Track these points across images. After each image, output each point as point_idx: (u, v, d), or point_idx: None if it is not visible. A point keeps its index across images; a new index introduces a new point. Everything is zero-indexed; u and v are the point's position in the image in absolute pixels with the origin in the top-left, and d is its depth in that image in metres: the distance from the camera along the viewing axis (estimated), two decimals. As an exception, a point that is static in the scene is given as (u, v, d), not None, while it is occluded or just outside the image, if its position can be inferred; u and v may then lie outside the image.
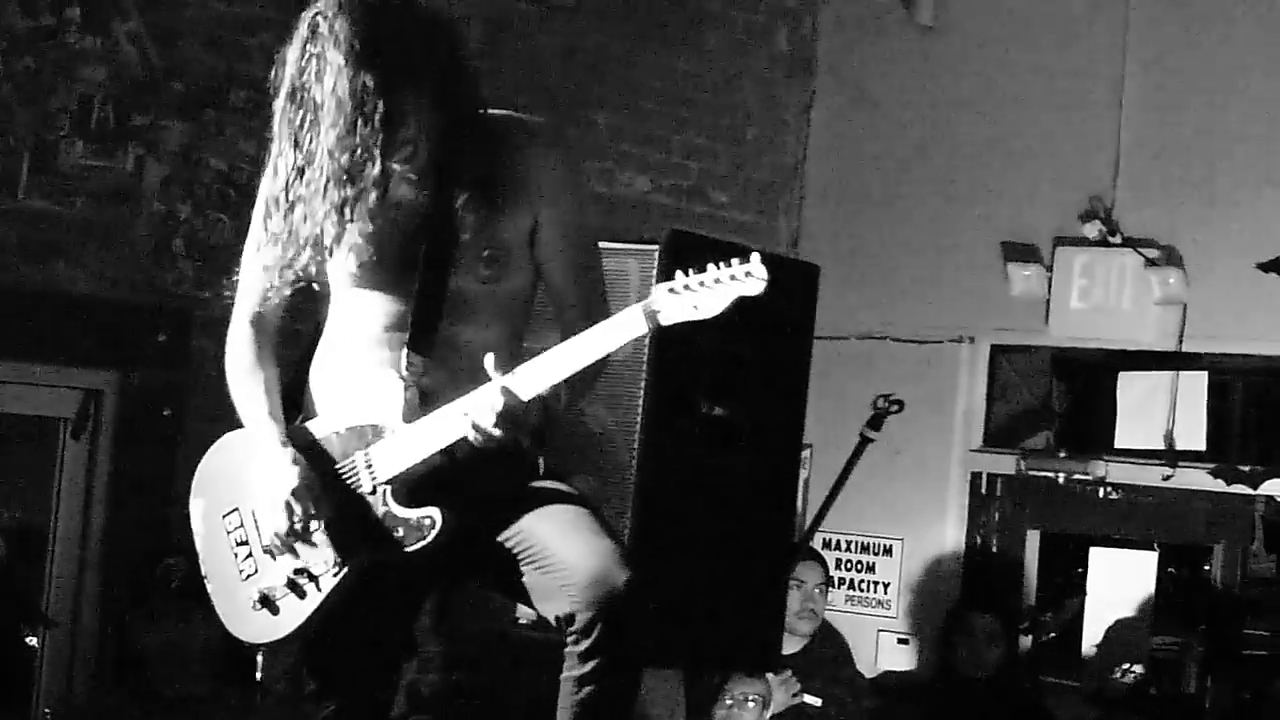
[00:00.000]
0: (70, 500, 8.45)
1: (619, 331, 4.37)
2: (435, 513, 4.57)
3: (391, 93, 4.44)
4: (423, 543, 4.58)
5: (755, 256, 4.20)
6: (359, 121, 4.45)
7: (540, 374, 4.44)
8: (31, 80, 8.06)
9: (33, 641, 8.22)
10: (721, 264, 4.24)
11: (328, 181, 4.52)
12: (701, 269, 4.25)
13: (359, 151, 4.46)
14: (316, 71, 4.46)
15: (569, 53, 9.17)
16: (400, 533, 4.61)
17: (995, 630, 9.44)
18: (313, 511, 4.60)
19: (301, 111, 4.50)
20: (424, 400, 4.60)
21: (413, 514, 4.59)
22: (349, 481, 4.68)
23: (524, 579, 4.64)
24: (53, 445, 8.46)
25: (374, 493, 4.65)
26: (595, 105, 9.44)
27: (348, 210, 4.53)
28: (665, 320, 4.29)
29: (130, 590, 8.07)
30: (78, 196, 8.21)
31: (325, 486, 4.64)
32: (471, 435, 4.40)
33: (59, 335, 8.18)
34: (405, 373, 4.61)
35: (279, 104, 4.59)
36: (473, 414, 4.38)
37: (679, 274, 4.25)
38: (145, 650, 7.47)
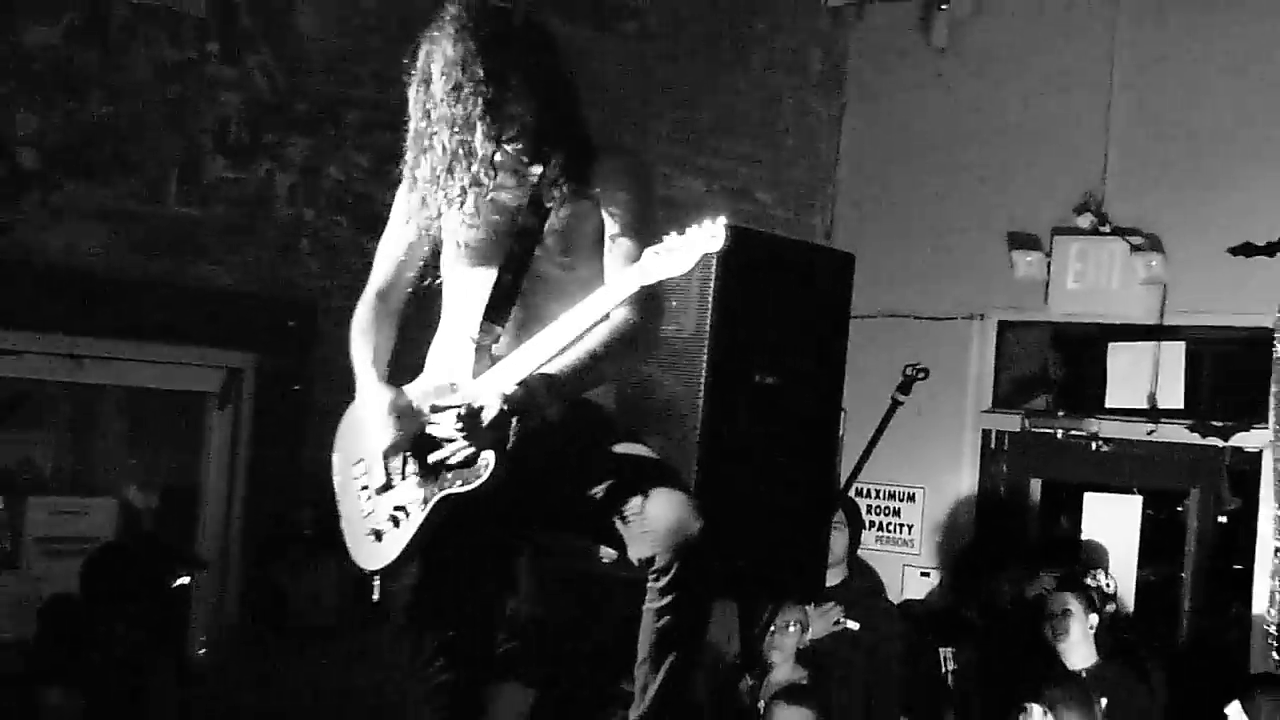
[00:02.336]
0: (216, 463, 8.50)
1: (618, 290, 4.44)
2: (491, 455, 4.56)
3: (498, 86, 4.48)
4: (479, 480, 4.59)
5: (721, 220, 4.27)
6: (469, 111, 4.50)
7: (546, 342, 4.52)
8: (178, 105, 8.11)
9: (186, 581, 8.18)
10: (692, 227, 4.29)
11: (444, 169, 4.57)
12: (681, 233, 4.30)
13: (468, 140, 4.51)
14: (438, 73, 4.53)
15: (634, 73, 9.14)
16: (469, 469, 4.61)
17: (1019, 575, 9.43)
18: (396, 453, 4.68)
19: (425, 119, 4.56)
20: (494, 363, 4.63)
21: (481, 457, 4.59)
22: (428, 429, 4.67)
23: (612, 527, 4.63)
24: (201, 416, 8.49)
25: (452, 437, 4.64)
26: (656, 118, 9.47)
27: (458, 195, 4.58)
28: (650, 278, 4.36)
29: (268, 537, 8.06)
30: (218, 204, 8.24)
31: (408, 433, 4.67)
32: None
33: (205, 323, 8.20)
34: (475, 337, 4.64)
35: (411, 90, 4.66)
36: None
37: (663, 238, 4.31)
38: (282, 589, 7.45)
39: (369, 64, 8.45)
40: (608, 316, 4.50)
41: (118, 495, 8.39)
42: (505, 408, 4.48)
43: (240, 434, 8.46)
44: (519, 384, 4.50)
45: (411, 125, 4.70)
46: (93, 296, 7.80)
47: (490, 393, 4.54)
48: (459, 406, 4.54)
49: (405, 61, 4.71)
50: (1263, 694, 8.22)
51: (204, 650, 8.14)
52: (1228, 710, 8.28)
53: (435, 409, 4.62)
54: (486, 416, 4.50)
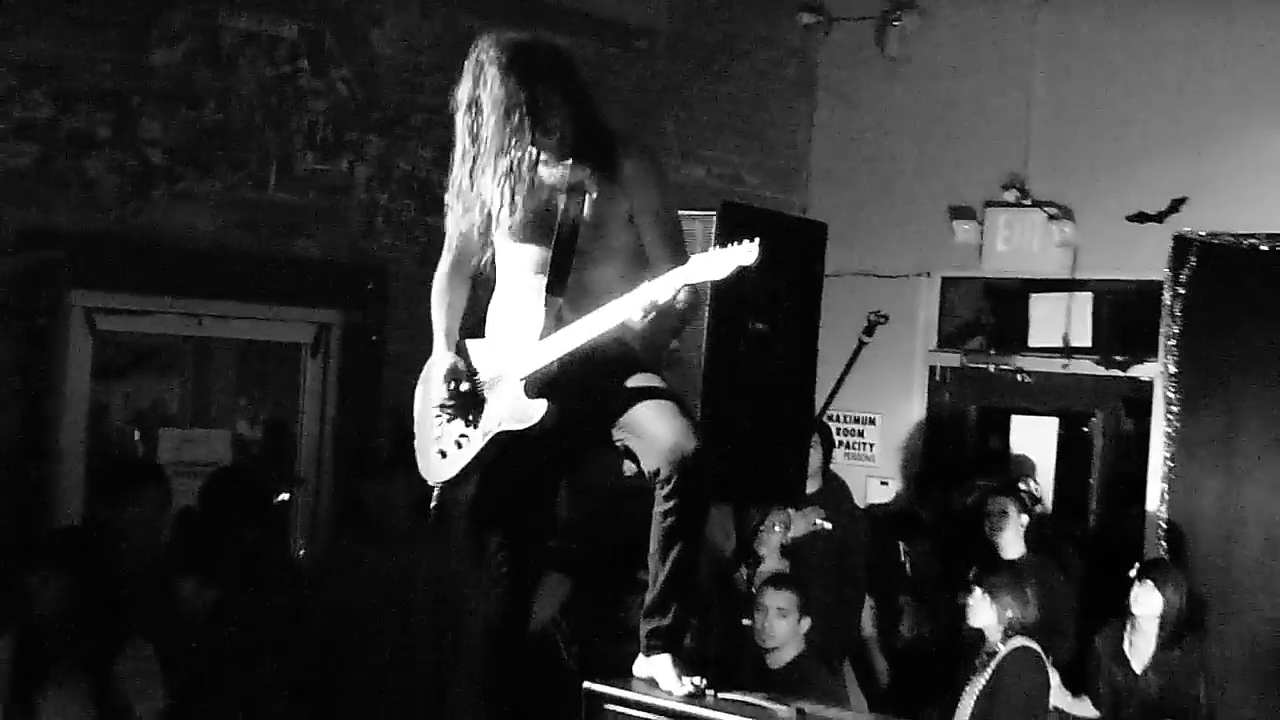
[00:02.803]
0: (310, 400, 8.58)
1: (664, 288, 4.38)
2: (544, 404, 4.63)
3: (536, 97, 4.48)
4: (533, 422, 4.65)
5: (756, 241, 4.29)
6: (512, 117, 4.49)
7: (596, 322, 4.53)
8: (276, 111, 8.20)
9: (287, 496, 8.32)
10: (734, 244, 4.34)
11: (493, 163, 4.55)
12: (723, 245, 4.38)
13: (513, 140, 4.50)
14: (485, 86, 4.51)
15: (648, 81, 9.15)
16: (518, 418, 4.67)
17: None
18: (458, 396, 4.75)
19: (474, 116, 4.56)
20: (558, 326, 4.64)
21: (532, 403, 4.66)
22: (493, 378, 4.76)
23: (631, 445, 4.72)
24: (297, 364, 8.58)
25: (515, 384, 4.70)
26: (664, 118, 9.46)
27: (507, 184, 4.56)
28: (696, 279, 4.43)
29: (353, 460, 8.13)
30: (309, 191, 8.34)
31: (474, 379, 4.77)
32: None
33: (299, 287, 8.32)
34: (544, 307, 4.66)
35: (459, 115, 4.66)
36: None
37: (711, 249, 4.41)
38: (364, 500, 7.54)
39: (430, 76, 8.48)
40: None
41: (230, 428, 8.53)
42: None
43: (329, 377, 8.52)
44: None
45: (459, 138, 4.64)
46: (208, 267, 7.92)
47: (549, 357, 4.63)
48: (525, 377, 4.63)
49: (453, 89, 4.68)
50: (1141, 574, 8.38)
51: (303, 550, 8.26)
52: (1132, 573, 8.44)
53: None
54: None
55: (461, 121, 4.67)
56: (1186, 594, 8.25)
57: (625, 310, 4.52)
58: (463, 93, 4.64)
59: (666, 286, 4.44)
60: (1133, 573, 8.37)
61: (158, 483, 6.87)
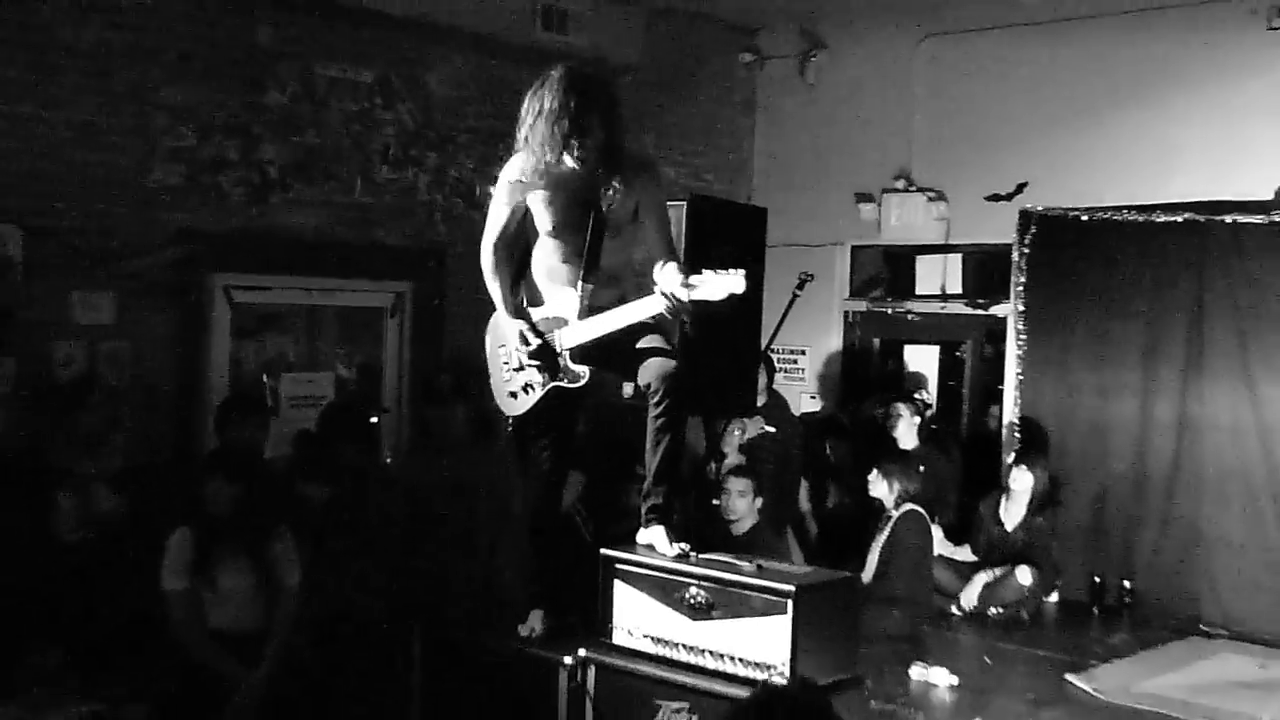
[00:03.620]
0: (390, 349, 8.63)
1: (687, 294, 4.33)
2: (586, 370, 4.72)
3: (582, 119, 4.41)
4: (579, 383, 4.73)
5: (741, 272, 4.27)
6: (558, 131, 4.43)
7: (617, 318, 4.59)
8: (358, 136, 8.28)
9: (376, 420, 8.37)
10: (728, 273, 4.28)
11: (543, 159, 4.52)
12: (716, 270, 4.29)
13: (557, 145, 4.45)
14: (544, 100, 4.43)
15: (629, 105, 9.08)
16: (570, 376, 4.73)
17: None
18: (529, 352, 4.72)
19: (532, 127, 4.48)
20: (591, 309, 4.66)
21: (578, 369, 4.72)
22: (548, 344, 4.74)
23: (636, 371, 4.75)
24: (380, 322, 8.62)
25: (560, 354, 4.74)
26: (644, 133, 9.41)
27: (549, 189, 4.58)
28: (699, 297, 4.32)
29: (423, 392, 8.21)
30: (385, 194, 8.39)
31: (536, 339, 4.73)
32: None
33: (382, 265, 8.42)
34: (581, 290, 4.66)
35: (522, 127, 4.53)
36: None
37: (704, 272, 4.30)
38: (430, 422, 7.60)
39: (470, 106, 8.59)
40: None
41: (333, 371, 8.50)
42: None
43: (403, 332, 8.55)
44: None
45: (522, 135, 4.54)
46: (313, 253, 7.98)
47: (587, 337, 4.66)
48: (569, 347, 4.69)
49: (524, 104, 4.54)
50: (1017, 460, 8.50)
51: (389, 459, 8.28)
52: (1010, 459, 8.58)
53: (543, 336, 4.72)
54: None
55: (522, 125, 4.56)
56: (1047, 475, 8.38)
57: (643, 310, 4.53)
58: (528, 104, 4.53)
59: (678, 294, 4.36)
60: (1010, 459, 8.51)
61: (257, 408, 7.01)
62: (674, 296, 4.36)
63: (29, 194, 6.80)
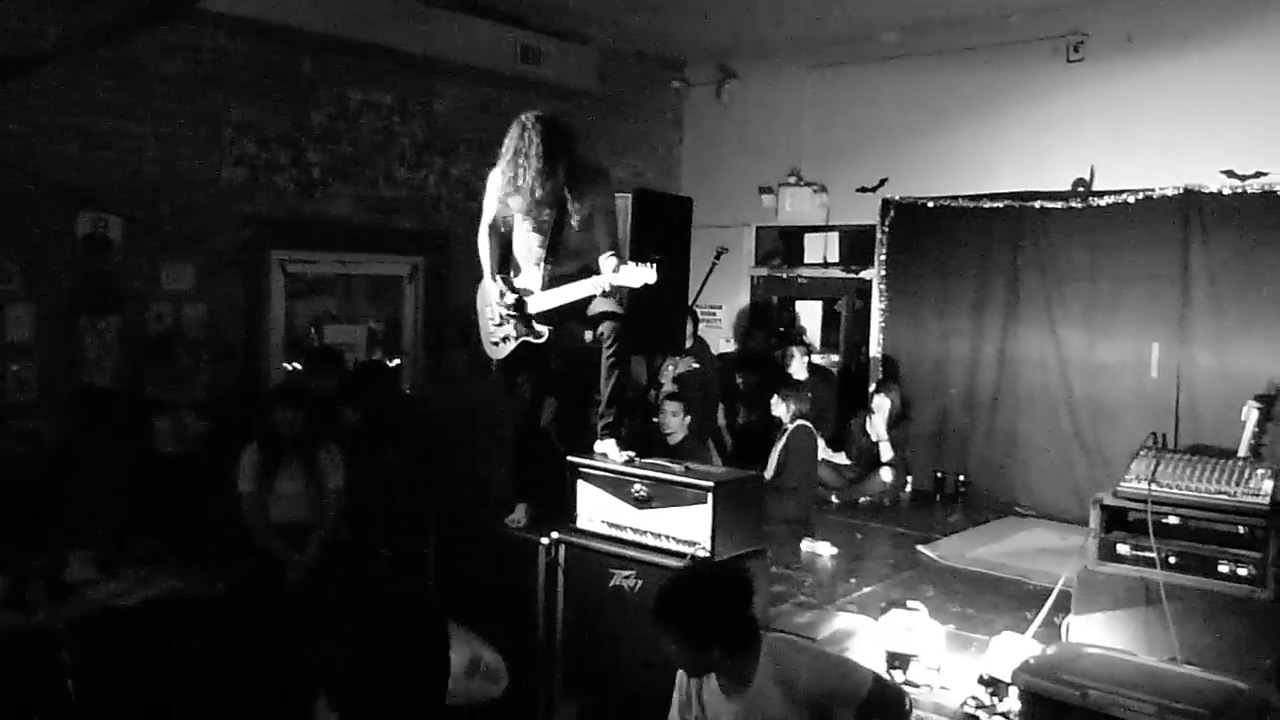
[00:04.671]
0: (408, 306, 8.46)
1: (606, 281, 4.37)
2: (548, 329, 4.64)
3: (551, 150, 4.27)
4: (543, 339, 4.65)
5: (654, 267, 4.30)
6: (532, 161, 4.28)
7: (567, 292, 4.48)
8: (382, 144, 8.10)
9: (396, 363, 8.32)
10: (645, 266, 4.29)
11: (519, 184, 4.33)
12: (639, 263, 4.31)
13: (535, 173, 4.28)
14: (524, 139, 4.27)
15: (586, 122, 9.02)
16: (535, 334, 4.65)
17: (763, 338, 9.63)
18: (506, 311, 4.64)
19: (515, 155, 4.30)
20: (552, 282, 4.56)
21: (540, 328, 4.64)
22: (522, 300, 4.64)
23: (594, 321, 4.67)
24: (400, 287, 8.44)
25: (530, 318, 4.65)
26: (598, 143, 9.29)
27: (525, 198, 4.37)
28: (622, 283, 4.35)
29: (434, 338, 8.15)
30: (403, 189, 8.22)
31: (510, 301, 4.64)
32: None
33: (401, 243, 8.23)
34: (544, 267, 4.57)
35: (507, 150, 4.34)
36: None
37: (630, 263, 4.33)
38: (441, 363, 7.54)
39: (468, 122, 8.39)
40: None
41: (365, 324, 8.38)
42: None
43: (418, 294, 8.39)
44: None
45: (500, 165, 4.37)
46: (348, 234, 7.83)
47: (546, 306, 4.56)
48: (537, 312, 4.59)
49: (507, 137, 4.34)
50: (879, 387, 8.54)
51: (410, 390, 8.19)
52: (872, 387, 8.60)
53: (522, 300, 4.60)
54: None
55: (507, 154, 4.37)
56: (901, 398, 8.42)
57: (589, 288, 4.45)
58: (510, 139, 4.36)
59: (606, 282, 4.38)
60: (873, 387, 8.54)
61: (334, 359, 6.89)
62: (605, 282, 4.39)
63: (126, 190, 6.75)
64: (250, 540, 5.41)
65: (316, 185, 7.68)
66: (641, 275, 4.31)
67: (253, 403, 6.62)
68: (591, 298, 4.61)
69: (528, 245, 4.63)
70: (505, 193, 4.41)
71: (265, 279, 7.44)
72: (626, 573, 4.49)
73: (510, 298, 4.62)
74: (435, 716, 1.95)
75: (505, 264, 4.72)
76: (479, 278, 4.85)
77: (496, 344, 4.82)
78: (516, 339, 4.71)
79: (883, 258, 9.10)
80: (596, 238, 4.53)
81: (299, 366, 6.79)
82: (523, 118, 4.32)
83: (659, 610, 3.10)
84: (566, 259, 4.57)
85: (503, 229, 4.66)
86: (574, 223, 4.47)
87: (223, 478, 5.50)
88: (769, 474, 7.48)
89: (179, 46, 6.94)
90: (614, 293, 4.46)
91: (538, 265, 4.59)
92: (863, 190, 9.25)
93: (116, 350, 6.61)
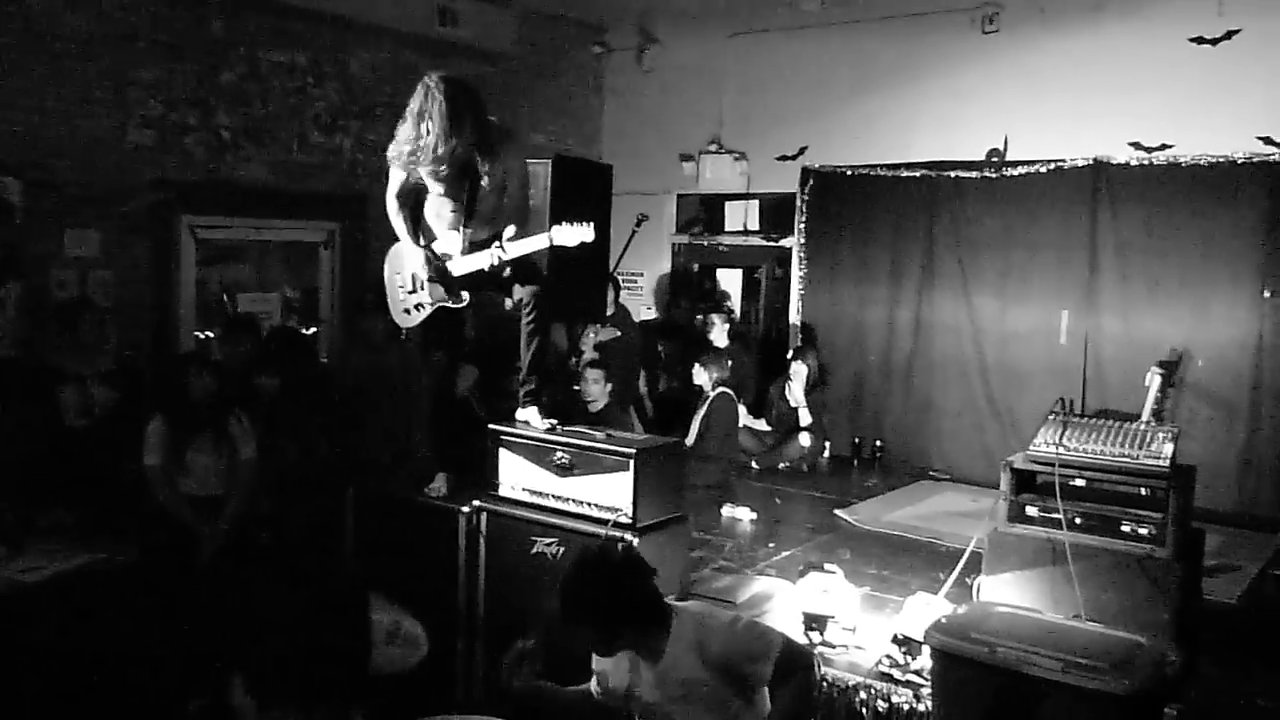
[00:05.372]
0: (324, 275, 8.33)
1: (532, 244, 4.38)
2: (468, 295, 4.63)
3: (457, 110, 4.20)
4: (463, 305, 4.63)
5: (590, 227, 4.31)
6: (436, 121, 4.22)
7: (514, 246, 4.40)
8: (296, 108, 7.94)
9: (312, 330, 8.18)
10: (578, 224, 4.30)
11: (421, 144, 4.27)
12: (572, 225, 4.31)
13: (439, 134, 4.21)
14: (430, 100, 4.21)
15: (505, 86, 8.95)
16: (455, 299, 4.64)
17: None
18: (428, 277, 4.61)
19: (420, 116, 4.24)
20: (471, 247, 4.53)
21: (462, 294, 4.62)
22: (435, 269, 4.61)
23: (512, 288, 4.72)
24: (317, 253, 8.31)
25: (453, 283, 4.62)
26: (519, 108, 9.23)
27: (434, 158, 4.29)
28: (557, 240, 4.35)
29: (354, 308, 7.98)
30: (319, 154, 8.08)
31: (426, 266, 4.60)
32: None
33: (316, 208, 8.05)
34: (463, 232, 4.54)
35: (411, 111, 4.30)
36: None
37: (562, 224, 4.32)
38: (364, 330, 7.42)
39: (385, 85, 8.23)
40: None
41: (280, 292, 8.24)
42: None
43: (335, 261, 8.25)
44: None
45: (405, 128, 4.28)
46: (262, 199, 7.66)
47: (466, 270, 4.52)
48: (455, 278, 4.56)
49: (411, 100, 4.29)
50: (795, 355, 8.63)
51: (325, 359, 8.06)
52: (790, 354, 8.68)
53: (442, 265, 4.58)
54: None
55: (411, 115, 4.29)
56: (818, 364, 8.52)
57: (483, 261, 4.43)
58: (415, 101, 4.28)
59: (532, 245, 4.37)
60: (790, 354, 8.63)
61: (248, 327, 6.75)
62: (498, 256, 4.38)
63: (27, 152, 6.52)
64: (161, 513, 5.30)
65: (228, 148, 7.49)
66: (578, 234, 4.31)
67: (162, 370, 6.48)
68: (507, 265, 4.57)
69: (438, 211, 4.59)
70: (408, 156, 4.32)
71: (175, 245, 7.26)
72: (549, 540, 4.52)
73: (436, 263, 4.58)
74: (358, 687, 1.92)
75: (418, 231, 4.67)
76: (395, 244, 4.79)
77: (408, 311, 4.77)
78: (432, 304, 4.66)
79: (802, 225, 9.18)
80: (510, 202, 4.50)
81: (211, 335, 6.65)
82: (427, 78, 4.25)
83: (565, 611, 3.10)
84: (482, 225, 4.54)
85: (412, 196, 4.59)
86: (485, 184, 4.43)
87: (132, 449, 5.37)
88: (690, 441, 7.52)
89: (81, 3, 6.72)
90: (500, 266, 4.44)
91: (455, 230, 4.55)
92: (783, 158, 9.29)
93: (17, 319, 6.41)
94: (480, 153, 4.37)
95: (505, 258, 4.38)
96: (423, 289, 4.66)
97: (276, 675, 1.79)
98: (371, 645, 1.85)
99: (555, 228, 4.33)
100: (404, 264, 4.72)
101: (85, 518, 5.33)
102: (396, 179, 4.56)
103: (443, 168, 4.29)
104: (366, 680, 1.95)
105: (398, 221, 4.63)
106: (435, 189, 4.51)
